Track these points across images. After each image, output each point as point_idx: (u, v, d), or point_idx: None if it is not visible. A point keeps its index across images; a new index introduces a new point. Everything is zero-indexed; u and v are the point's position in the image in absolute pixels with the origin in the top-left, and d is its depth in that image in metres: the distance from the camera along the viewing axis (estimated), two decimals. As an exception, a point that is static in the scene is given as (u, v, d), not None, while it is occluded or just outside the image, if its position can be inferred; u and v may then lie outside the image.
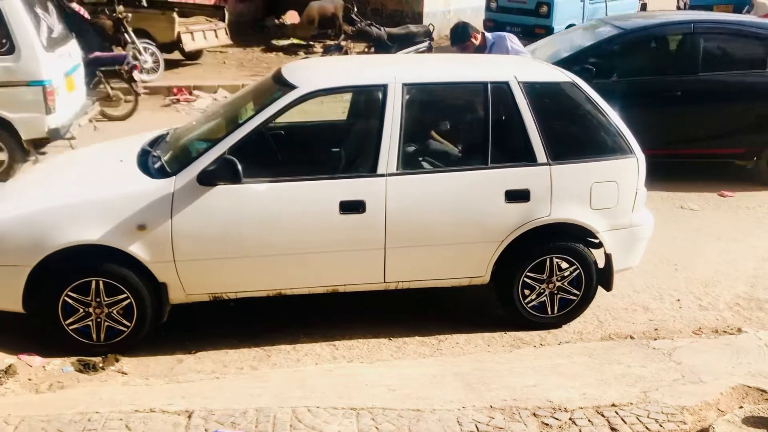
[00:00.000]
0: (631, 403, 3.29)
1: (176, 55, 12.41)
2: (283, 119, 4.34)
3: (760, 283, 5.21)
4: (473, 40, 5.79)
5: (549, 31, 13.76)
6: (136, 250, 3.88)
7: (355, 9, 12.25)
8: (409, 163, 4.30)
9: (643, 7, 17.89)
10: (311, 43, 14.48)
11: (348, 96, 5.14)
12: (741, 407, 3.28)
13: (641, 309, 4.84)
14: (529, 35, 13.94)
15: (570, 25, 13.92)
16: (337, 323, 4.49)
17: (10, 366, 3.84)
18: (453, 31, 5.95)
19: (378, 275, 4.23)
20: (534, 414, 3.21)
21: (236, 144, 3.99)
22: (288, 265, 4.13)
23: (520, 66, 4.82)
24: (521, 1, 14.10)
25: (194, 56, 12.82)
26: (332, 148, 4.81)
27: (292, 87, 4.18)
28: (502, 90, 4.31)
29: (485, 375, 3.67)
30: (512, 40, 5.88)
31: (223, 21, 12.93)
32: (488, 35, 5.89)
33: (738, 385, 3.54)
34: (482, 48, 5.83)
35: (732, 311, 4.81)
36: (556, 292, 4.44)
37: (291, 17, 16.05)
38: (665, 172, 6.62)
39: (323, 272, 4.21)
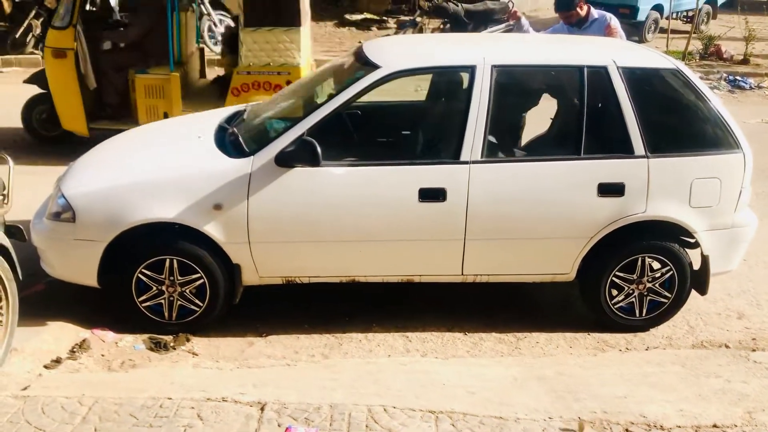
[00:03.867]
0: (736, 425, 3.02)
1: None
2: (361, 98, 4.17)
3: None
4: (579, 9, 5.48)
5: (633, 11, 13.15)
6: (212, 230, 3.80)
7: (431, -17, 11.90)
8: (494, 151, 4.07)
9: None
10: (385, 18, 14.24)
11: (427, 75, 4.91)
12: None
13: (736, 315, 4.50)
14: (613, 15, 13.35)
15: (656, 6, 13.26)
16: (410, 313, 4.32)
17: (84, 341, 3.84)
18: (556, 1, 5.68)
19: (456, 267, 4.04)
20: (627, 430, 2.97)
21: (316, 125, 3.84)
22: (363, 251, 3.98)
23: (620, 49, 4.49)
24: (605, -22, 13.47)
25: (268, 30, 12.73)
26: (412, 132, 4.61)
27: (374, 66, 3.99)
28: (600, 75, 4.01)
29: (570, 381, 3.44)
30: (613, 19, 5.56)
31: (298, -6, 12.78)
32: (593, 10, 5.59)
33: None
34: (584, 21, 5.53)
35: (839, 323, 4.42)
36: (645, 293, 4.15)
37: (365, -9, 15.83)
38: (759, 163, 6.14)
39: (399, 261, 4.05)
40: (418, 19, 11.80)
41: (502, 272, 4.16)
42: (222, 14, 11.02)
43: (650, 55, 4.39)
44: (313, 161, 3.74)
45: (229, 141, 4.11)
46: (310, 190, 3.83)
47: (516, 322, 4.28)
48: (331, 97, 4.01)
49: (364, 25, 14.02)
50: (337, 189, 3.87)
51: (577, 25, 5.56)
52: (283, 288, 4.13)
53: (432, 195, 3.87)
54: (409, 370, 3.61)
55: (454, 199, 3.88)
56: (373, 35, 13.07)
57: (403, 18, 13.44)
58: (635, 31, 13.17)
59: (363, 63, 4.17)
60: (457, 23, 11.08)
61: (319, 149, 3.70)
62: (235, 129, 4.23)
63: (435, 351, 3.99)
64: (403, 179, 3.91)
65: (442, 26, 11.45)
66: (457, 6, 11.13)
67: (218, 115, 4.70)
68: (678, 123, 4.22)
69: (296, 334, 4.09)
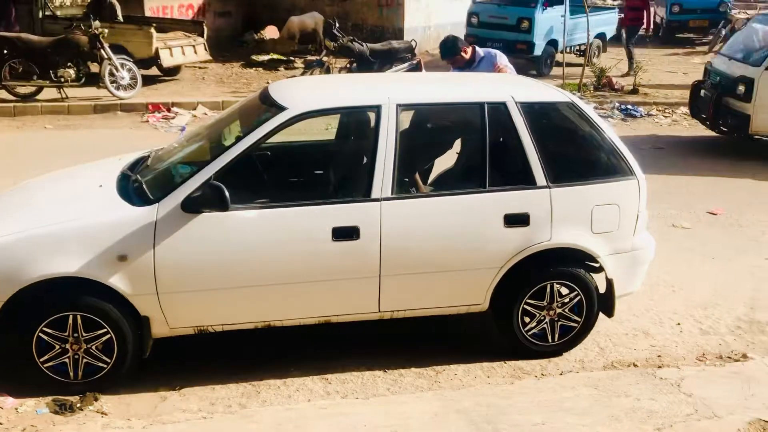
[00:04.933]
0: (647, 443, 3.12)
1: (154, 71, 12.15)
2: (270, 139, 4.15)
3: (760, 305, 5.10)
4: (463, 54, 5.65)
5: (530, 47, 13.76)
6: (117, 282, 3.65)
7: (336, 24, 12.08)
8: (404, 187, 4.12)
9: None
10: (292, 58, 14.32)
11: (335, 114, 4.95)
12: (761, 445, 3.13)
13: (642, 334, 4.69)
14: (510, 51, 13.86)
15: (552, 41, 13.94)
16: (330, 354, 4.28)
17: (-21, 409, 3.57)
18: (443, 45, 5.81)
19: (372, 305, 4.04)
20: (545, 457, 3.02)
21: (223, 168, 3.78)
22: (278, 295, 3.92)
23: (518, 85, 4.68)
24: (502, 16, 14.08)
25: (173, 72, 12.57)
26: (323, 171, 4.62)
27: (281, 108, 3.99)
28: (499, 110, 4.16)
29: (489, 412, 3.48)
30: (501, 57, 5.75)
31: (202, 36, 12.71)
32: (479, 50, 5.76)
33: (755, 420, 3.39)
34: (471, 62, 5.69)
35: (734, 335, 4.69)
36: (556, 319, 4.27)
37: (271, 32, 15.91)
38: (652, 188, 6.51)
39: (315, 302, 4.01)
40: (325, 59, 11.93)
41: (418, 307, 4.18)
42: (124, 58, 10.79)
43: (546, 90, 4.60)
44: (222, 206, 3.67)
45: (132, 189, 3.99)
46: (220, 236, 3.75)
47: (435, 356, 4.30)
48: (238, 139, 3.96)
49: (271, 66, 14.03)
50: (247, 233, 3.81)
51: (465, 67, 5.72)
52: (196, 337, 4.00)
53: (345, 233, 3.87)
54: (329, 414, 3.55)
55: (368, 237, 3.89)
56: (281, 75, 13.09)
57: (310, 58, 13.54)
58: (533, 65, 13.79)
59: (269, 105, 4.16)
60: (363, 62, 11.28)
61: (227, 193, 3.64)
62: (138, 176, 4.11)
63: (355, 391, 3.95)
64: (316, 219, 3.89)
65: (348, 65, 11.61)
66: (362, 46, 11.34)
67: (121, 162, 4.56)
68: (576, 153, 4.43)
69: (212, 384, 3.96)
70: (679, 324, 4.82)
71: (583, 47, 14.01)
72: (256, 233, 3.82)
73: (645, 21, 14.60)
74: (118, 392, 3.83)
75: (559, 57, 13.79)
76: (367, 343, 4.42)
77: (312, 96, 4.32)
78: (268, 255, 3.83)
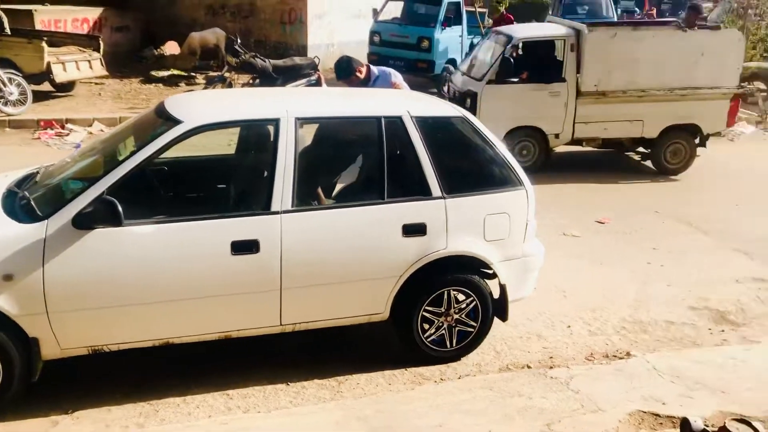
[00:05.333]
0: (536, 438, 3.28)
1: (47, 87, 11.66)
2: (168, 154, 4.10)
3: (642, 306, 5.46)
4: (358, 74, 5.76)
5: (431, 65, 14.15)
6: (2, 302, 3.49)
7: (239, 40, 12.01)
8: (304, 200, 4.17)
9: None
10: (193, 74, 14.09)
11: (236, 128, 4.94)
12: (639, 434, 3.35)
13: (535, 337, 4.92)
14: (412, 70, 14.25)
15: (450, 60, 14.39)
16: (231, 370, 4.24)
17: None
18: (337, 66, 5.90)
19: (274, 318, 4.05)
20: (442, 456, 3.13)
21: (116, 183, 3.70)
22: (176, 312, 3.86)
23: (413, 101, 4.83)
24: (403, 36, 14.40)
25: (67, 88, 12.11)
26: (222, 185, 4.60)
27: (176, 122, 3.96)
28: (396, 125, 4.29)
29: (389, 417, 3.56)
30: (396, 75, 5.91)
31: (98, 51, 12.30)
32: (373, 69, 5.89)
33: (634, 411, 3.63)
34: (367, 81, 5.81)
35: (619, 335, 4.99)
36: (454, 324, 4.42)
37: (171, 48, 15.59)
38: (544, 199, 6.87)
39: (214, 318, 3.97)
40: (227, 75, 11.83)
41: (320, 318, 4.22)
42: (12, 73, 10.30)
43: (440, 105, 4.78)
44: (115, 221, 3.59)
45: (19, 206, 3.84)
46: (114, 252, 3.66)
47: (337, 366, 4.35)
48: (132, 154, 3.89)
49: (171, 82, 13.74)
50: (143, 248, 3.74)
51: (361, 87, 5.84)
52: (90, 357, 3.88)
53: (245, 247, 3.87)
54: (230, 429, 3.53)
55: (268, 250, 3.91)
56: (181, 91, 12.83)
57: (211, 74, 13.39)
58: (434, 83, 14.17)
59: (165, 118, 4.11)
60: (265, 78, 11.25)
61: (120, 208, 3.56)
62: (26, 192, 3.95)
63: (257, 406, 3.94)
64: (215, 233, 3.87)
65: (251, 81, 11.56)
66: (265, 62, 11.32)
67: (7, 178, 4.37)
68: (468, 165, 4.60)
69: (107, 405, 3.84)
70: (569, 326, 5.08)
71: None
72: (152, 249, 3.75)
73: None
74: (4, 419, 3.66)
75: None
76: (270, 357, 4.41)
77: (208, 109, 4.30)
78: (165, 271, 3.77)
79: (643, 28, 9.55)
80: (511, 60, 8.91)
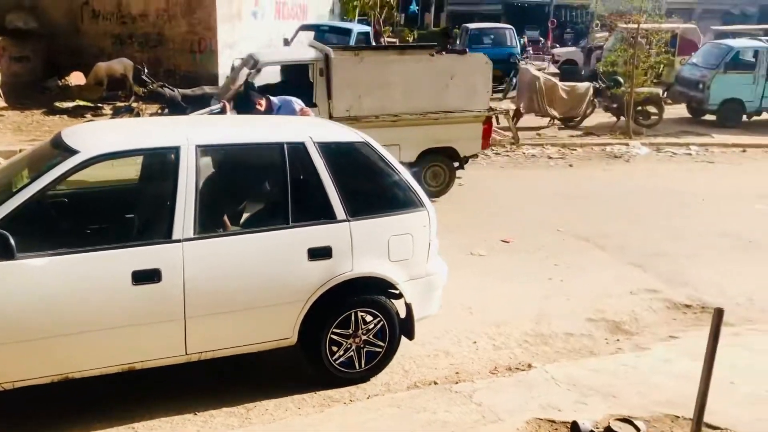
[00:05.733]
0: (439, 450, 3.38)
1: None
2: (67, 185, 4.04)
3: (543, 319, 5.70)
4: (258, 107, 5.82)
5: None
6: None
7: (146, 70, 11.84)
8: (207, 227, 4.17)
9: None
10: (100, 105, 13.75)
11: (139, 159, 4.90)
12: (535, 439, 3.51)
13: (443, 354, 5.05)
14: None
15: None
16: (136, 402, 4.15)
17: None
18: (236, 100, 5.97)
19: (179, 348, 4.01)
20: (345, 475, 3.17)
21: (8, 216, 3.62)
22: (75, 346, 3.77)
23: (316, 127, 4.93)
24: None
25: (-40, 120, 11.57)
26: (123, 215, 4.53)
27: (73, 152, 3.91)
28: (299, 150, 4.37)
29: (297, 440, 3.58)
30: (299, 103, 6.01)
31: (-5, 82, 11.85)
32: (274, 100, 5.97)
33: (531, 419, 3.79)
34: (269, 111, 5.89)
35: (522, 348, 5.20)
36: (362, 345, 4.49)
37: (76, 78, 15.17)
38: (451, 221, 7.10)
39: (117, 350, 3.90)
40: (134, 104, 11.63)
41: (227, 346, 4.21)
42: None
43: (343, 131, 4.90)
44: (6, 254, 3.50)
45: None
46: (6, 286, 3.56)
47: (246, 393, 4.34)
48: (25, 185, 3.81)
49: (77, 113, 13.35)
50: (38, 281, 3.65)
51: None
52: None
53: (146, 277, 3.83)
54: (133, 461, 3.46)
55: (170, 279, 3.88)
56: (85, 122, 12.50)
57: (118, 104, 13.11)
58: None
59: (61, 149, 4.04)
60: (174, 108, 11.08)
61: (12, 241, 3.48)
62: None
63: (164, 437, 3.88)
64: (114, 264, 3.82)
65: (159, 111, 11.38)
66: (174, 91, 11.17)
67: None
68: (371, 188, 4.73)
69: (1, 448, 3.70)
70: (475, 342, 5.25)
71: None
72: (48, 281, 3.67)
73: None
74: None
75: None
76: (177, 386, 4.35)
77: (106, 139, 4.26)
78: (62, 303, 3.69)
79: (391, 53, 9.52)
80: (253, 84, 7.74)
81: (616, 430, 3.22)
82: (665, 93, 16.16)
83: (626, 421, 3.33)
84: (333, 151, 4.50)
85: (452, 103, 9.01)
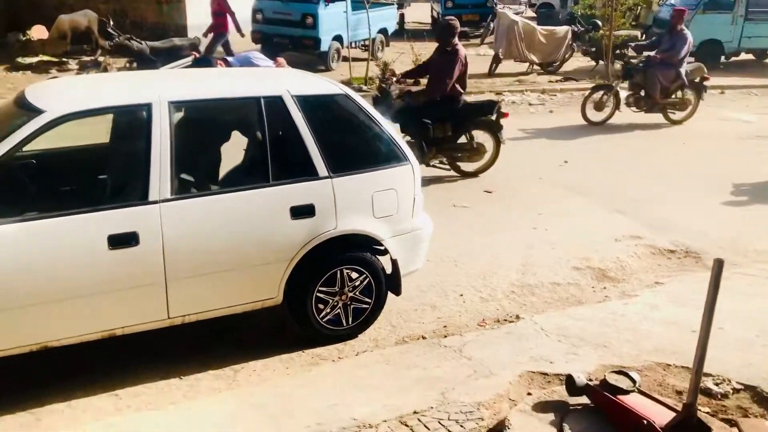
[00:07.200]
0: (432, 407, 3.35)
1: None
2: (38, 146, 3.83)
3: (529, 270, 5.66)
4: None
5: (316, 42, 13.99)
6: None
7: (111, 22, 11.42)
8: (184, 187, 4.01)
9: (402, 18, 18.91)
10: (65, 60, 13.27)
11: (110, 117, 4.68)
12: (529, 394, 3.48)
13: (429, 308, 5.00)
14: (297, 47, 14.04)
15: (337, 36, 14.28)
16: (120, 369, 4.05)
17: None
18: (195, 65, 5.77)
19: (161, 312, 3.90)
20: (340, 436, 3.13)
21: (-28, 181, 3.42)
22: (52, 313, 3.64)
23: (293, 79, 4.74)
24: (287, 13, 14.13)
25: None
26: (95, 176, 4.33)
27: (38, 111, 3.70)
28: (276, 104, 4.19)
29: (286, 402, 3.52)
30: (257, 57, 5.82)
31: (-48, 38, 11.34)
32: (231, 59, 5.79)
33: (524, 372, 3.76)
34: None
35: (509, 299, 5.16)
36: (349, 303, 4.42)
37: (38, 32, 14.61)
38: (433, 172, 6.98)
39: (95, 316, 3.77)
40: (101, 59, 11.23)
41: (210, 308, 4.10)
42: None
43: (321, 83, 4.71)
44: (-29, 222, 3.33)
45: None
46: (-26, 255, 3.40)
47: (232, 355, 4.25)
48: (-12, 149, 3.60)
49: (41, 68, 12.89)
50: (8, 249, 3.49)
51: None
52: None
53: (123, 240, 3.69)
54: (118, 430, 3.37)
55: (148, 242, 3.74)
56: (51, 79, 12.07)
57: (85, 59, 12.65)
58: (320, 61, 14.03)
59: (26, 108, 3.83)
60: (143, 61, 10.77)
61: (-24, 208, 3.30)
62: None
63: (150, 403, 3.79)
64: (89, 228, 3.66)
65: (128, 65, 11.03)
66: (142, 44, 10.83)
67: None
68: (353, 143, 4.58)
69: (-19, 420, 3.59)
70: (462, 295, 5.20)
71: (367, 42, 14.51)
72: (19, 248, 3.51)
73: (229, 27, 12.70)
74: None
75: (345, 52, 14.17)
76: (161, 352, 4.25)
77: (73, 97, 4.04)
78: (36, 271, 3.53)
79: None
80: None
81: (612, 383, 3.20)
82: (643, 35, 16.00)
83: (621, 372, 3.31)
84: (312, 105, 4.32)
85: None
